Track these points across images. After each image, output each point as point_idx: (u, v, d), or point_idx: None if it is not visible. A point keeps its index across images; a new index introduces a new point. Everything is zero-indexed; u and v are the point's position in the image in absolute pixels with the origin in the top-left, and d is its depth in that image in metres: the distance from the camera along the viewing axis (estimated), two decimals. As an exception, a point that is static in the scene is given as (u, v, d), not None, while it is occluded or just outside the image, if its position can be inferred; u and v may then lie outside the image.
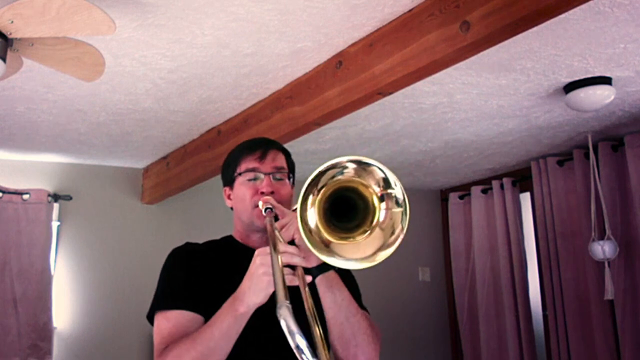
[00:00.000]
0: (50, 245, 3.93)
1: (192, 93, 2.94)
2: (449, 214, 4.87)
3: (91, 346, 3.97)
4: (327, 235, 1.19)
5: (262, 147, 1.50)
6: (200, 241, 1.54)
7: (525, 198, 4.36)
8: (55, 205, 4.04)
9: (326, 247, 1.18)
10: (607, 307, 3.64)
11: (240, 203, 1.48)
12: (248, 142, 1.55)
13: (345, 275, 1.41)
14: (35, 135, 3.53)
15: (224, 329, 1.25)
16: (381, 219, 1.21)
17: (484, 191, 4.57)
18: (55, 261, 3.99)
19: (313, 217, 1.19)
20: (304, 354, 1.06)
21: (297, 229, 1.20)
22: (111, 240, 4.18)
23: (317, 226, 1.19)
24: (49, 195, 3.96)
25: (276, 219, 1.36)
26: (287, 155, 1.55)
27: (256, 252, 1.26)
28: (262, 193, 1.43)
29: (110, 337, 4.01)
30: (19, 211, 3.86)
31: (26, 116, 3.21)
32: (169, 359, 1.27)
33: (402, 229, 1.17)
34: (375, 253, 1.18)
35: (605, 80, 2.76)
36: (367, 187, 1.20)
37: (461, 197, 4.78)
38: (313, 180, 1.16)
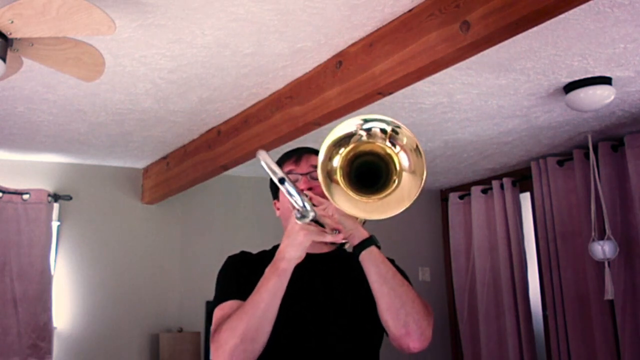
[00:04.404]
0: (50, 245, 3.92)
1: (192, 93, 2.94)
2: (449, 214, 4.86)
3: (91, 346, 3.97)
4: (361, 199, 1.31)
5: (297, 152, 1.61)
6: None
7: (525, 198, 4.36)
8: (55, 205, 4.03)
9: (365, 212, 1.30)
10: (607, 307, 3.63)
11: (283, 207, 1.56)
12: (286, 152, 1.66)
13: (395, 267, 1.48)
14: (35, 135, 3.53)
15: (270, 289, 1.34)
16: (405, 163, 1.31)
17: (484, 191, 4.56)
18: (55, 261, 3.99)
19: (342, 192, 1.31)
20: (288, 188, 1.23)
21: (336, 209, 1.31)
22: (111, 240, 4.18)
23: (348, 193, 1.31)
24: (49, 195, 3.96)
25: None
26: None
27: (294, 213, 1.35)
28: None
29: (110, 337, 4.01)
30: (19, 211, 3.86)
31: (26, 116, 3.21)
32: (223, 331, 1.34)
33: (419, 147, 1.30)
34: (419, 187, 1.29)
35: (605, 80, 2.76)
36: (374, 143, 1.32)
37: (461, 197, 4.78)
38: (330, 148, 1.30)
